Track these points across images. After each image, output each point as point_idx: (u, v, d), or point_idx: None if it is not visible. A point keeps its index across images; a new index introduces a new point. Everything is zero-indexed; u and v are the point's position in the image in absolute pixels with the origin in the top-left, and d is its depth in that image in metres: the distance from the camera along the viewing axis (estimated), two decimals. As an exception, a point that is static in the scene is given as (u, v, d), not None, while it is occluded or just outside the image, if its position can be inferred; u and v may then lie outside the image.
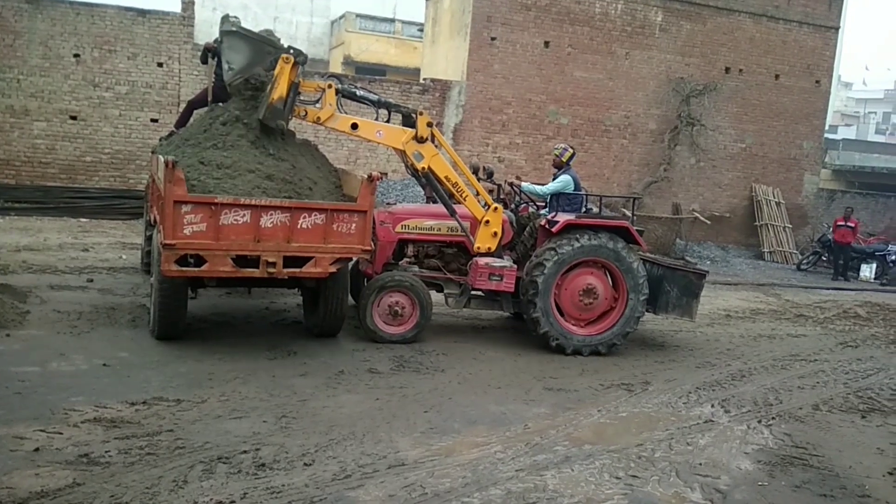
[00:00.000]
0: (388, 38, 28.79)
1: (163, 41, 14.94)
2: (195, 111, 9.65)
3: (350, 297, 9.07)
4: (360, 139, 8.13)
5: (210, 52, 9.90)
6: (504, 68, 16.90)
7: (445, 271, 8.43)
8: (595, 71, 17.61)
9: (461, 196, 8.09)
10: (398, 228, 8.29)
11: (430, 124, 7.96)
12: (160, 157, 7.03)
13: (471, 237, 8.22)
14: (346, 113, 7.78)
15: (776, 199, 19.46)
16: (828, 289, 15.70)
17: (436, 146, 7.99)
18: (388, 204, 9.34)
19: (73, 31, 14.42)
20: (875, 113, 57.95)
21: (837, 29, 19.96)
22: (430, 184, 8.17)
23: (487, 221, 8.16)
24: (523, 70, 17.03)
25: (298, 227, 6.72)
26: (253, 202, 6.56)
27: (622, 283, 8.16)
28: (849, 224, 17.02)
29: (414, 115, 7.96)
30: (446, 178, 8.05)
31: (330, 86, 7.67)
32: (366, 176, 7.01)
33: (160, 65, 14.98)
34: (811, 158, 20.19)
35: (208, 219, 6.42)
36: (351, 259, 7.19)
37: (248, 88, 7.49)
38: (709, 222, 17.90)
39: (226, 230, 6.49)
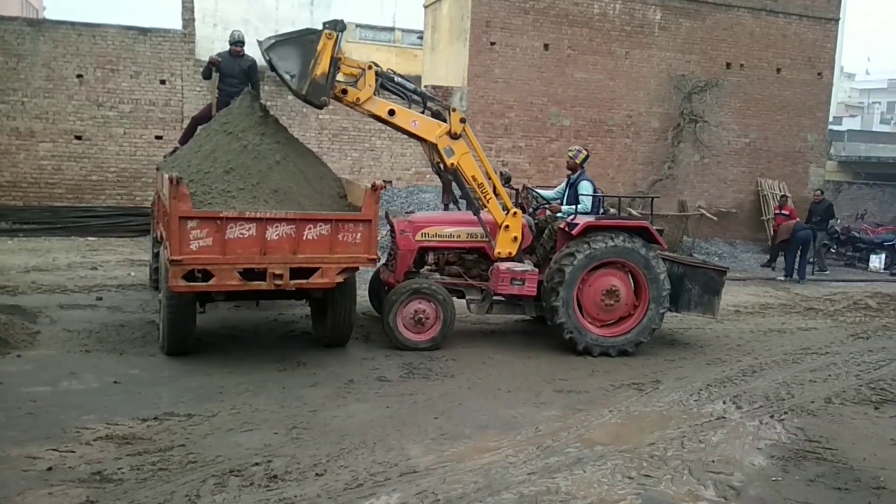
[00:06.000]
0: (389, 47, 28.87)
1: (164, 59, 15.02)
2: (199, 127, 9.69)
3: (373, 308, 9.14)
4: (393, 126, 8.09)
5: (214, 67, 9.94)
6: (505, 72, 16.91)
7: (466, 277, 8.47)
8: (596, 72, 17.60)
9: (485, 198, 8.12)
10: (418, 237, 8.31)
11: (462, 120, 8.01)
12: (165, 173, 7.07)
13: (492, 241, 8.25)
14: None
15: (782, 193, 19.38)
16: (837, 280, 15.63)
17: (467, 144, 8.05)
18: (407, 213, 9.36)
19: (75, 52, 14.52)
20: (879, 103, 57.67)
21: (837, 20, 19.89)
22: (456, 181, 8.21)
23: (507, 226, 8.18)
24: (524, 73, 17.03)
25: (304, 238, 6.74)
26: (258, 215, 6.58)
27: (645, 291, 8.19)
28: (784, 212, 16.95)
29: (446, 112, 8.01)
30: (473, 177, 8.08)
31: (370, 67, 7.71)
32: (370, 185, 7.03)
33: (163, 82, 15.06)
34: (816, 151, 20.10)
35: (214, 233, 6.44)
36: (357, 268, 7.21)
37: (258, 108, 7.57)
38: (715, 218, 17.82)
39: (232, 244, 6.51)
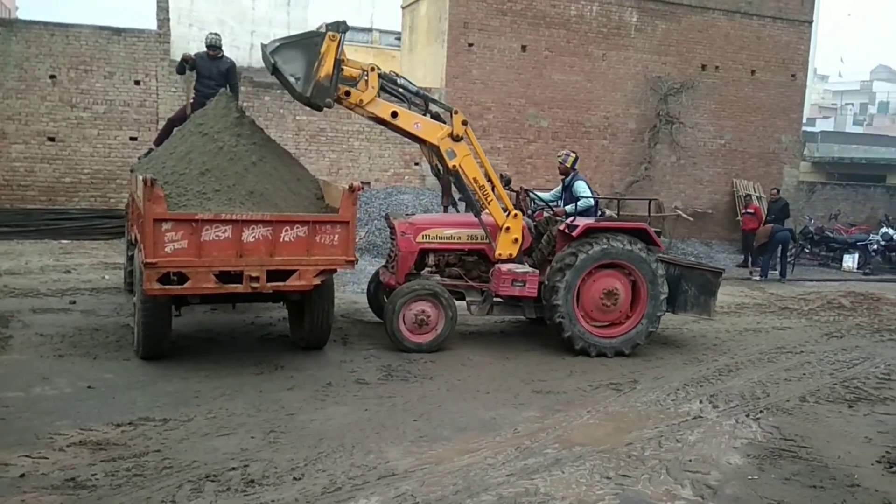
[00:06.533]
0: (367, 49, 28.78)
1: (139, 59, 14.86)
2: (174, 129, 9.59)
3: (373, 311, 9.10)
4: (393, 128, 8.09)
5: (188, 63, 9.85)
6: (482, 74, 16.93)
7: (467, 279, 8.48)
8: (573, 73, 17.68)
9: (486, 200, 8.12)
10: (419, 238, 8.31)
11: (465, 123, 8.01)
12: (139, 175, 6.98)
13: (493, 243, 8.25)
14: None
15: (757, 194, 19.59)
16: (811, 280, 15.83)
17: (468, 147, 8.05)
18: (407, 215, 9.35)
19: (48, 53, 14.32)
20: (852, 104, 58.47)
21: (811, 23, 20.15)
22: (457, 183, 8.20)
23: (508, 228, 8.19)
24: (502, 75, 17.07)
25: (281, 240, 6.69)
26: (234, 217, 6.52)
27: (643, 304, 8.24)
28: (749, 210, 17.26)
29: (448, 114, 8.01)
30: (474, 179, 8.09)
31: (373, 68, 7.67)
32: (347, 186, 6.99)
33: (137, 83, 14.90)
34: (790, 152, 20.35)
35: (189, 235, 6.37)
36: (335, 270, 7.17)
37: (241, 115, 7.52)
38: (691, 219, 17.97)
39: (207, 246, 6.45)
